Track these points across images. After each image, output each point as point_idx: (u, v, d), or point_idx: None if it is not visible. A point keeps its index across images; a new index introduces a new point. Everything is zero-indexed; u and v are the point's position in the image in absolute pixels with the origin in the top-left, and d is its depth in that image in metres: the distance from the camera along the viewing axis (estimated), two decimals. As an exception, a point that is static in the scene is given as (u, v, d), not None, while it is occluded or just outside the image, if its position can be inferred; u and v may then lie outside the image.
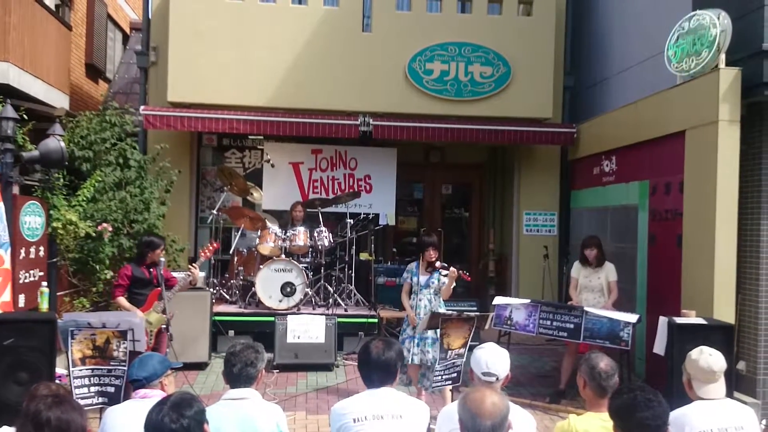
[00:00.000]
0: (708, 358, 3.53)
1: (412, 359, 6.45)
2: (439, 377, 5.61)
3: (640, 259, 8.14)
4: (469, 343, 5.66)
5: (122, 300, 6.39)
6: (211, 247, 6.88)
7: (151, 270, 6.47)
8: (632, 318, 6.58)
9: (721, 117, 6.68)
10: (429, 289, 6.60)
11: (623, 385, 3.13)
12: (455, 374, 5.60)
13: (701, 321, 5.79)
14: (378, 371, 3.46)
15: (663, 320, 5.86)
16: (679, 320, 5.72)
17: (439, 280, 6.61)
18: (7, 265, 5.84)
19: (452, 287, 6.58)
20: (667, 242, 7.56)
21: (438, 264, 6.57)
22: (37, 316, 5.88)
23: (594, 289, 7.38)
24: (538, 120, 10.24)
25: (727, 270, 6.65)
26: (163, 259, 6.52)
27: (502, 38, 10.04)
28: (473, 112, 10.01)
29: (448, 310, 6.65)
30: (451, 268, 6.46)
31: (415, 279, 6.66)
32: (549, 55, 10.18)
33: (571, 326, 6.82)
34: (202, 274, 8.46)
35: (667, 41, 7.71)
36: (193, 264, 6.66)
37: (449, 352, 5.62)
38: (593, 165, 9.72)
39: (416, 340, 6.45)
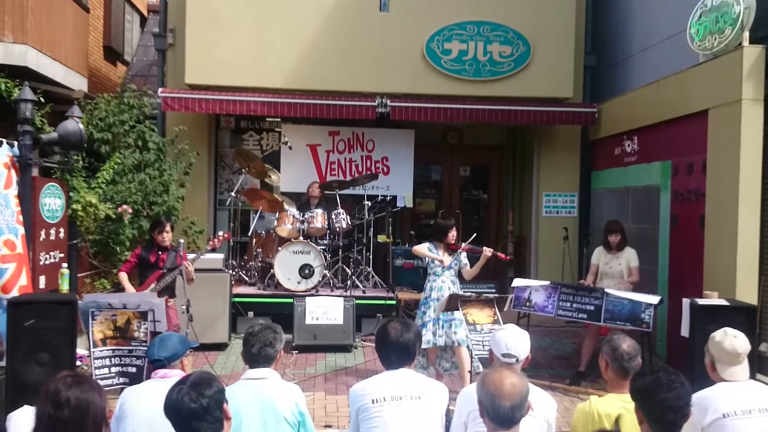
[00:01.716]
0: (732, 339, 3.48)
1: (435, 342, 6.42)
2: (480, 346, 5.58)
3: (662, 240, 8.05)
4: (500, 319, 5.66)
5: (122, 276, 6.55)
6: (221, 237, 6.87)
7: (160, 253, 6.51)
8: (654, 299, 6.52)
9: (744, 96, 6.57)
10: (451, 270, 6.57)
11: (645, 367, 3.11)
12: None
13: (723, 302, 5.71)
14: (396, 352, 3.46)
15: (687, 302, 5.79)
16: (701, 301, 5.65)
17: (460, 262, 6.59)
18: (20, 249, 5.85)
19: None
20: (690, 223, 7.47)
21: (464, 246, 6.54)
22: (58, 298, 5.93)
23: (614, 276, 7.30)
24: (559, 100, 10.12)
25: (750, 251, 6.57)
26: (182, 241, 6.53)
27: (521, 17, 9.91)
28: (492, 93, 9.90)
29: (466, 291, 6.63)
30: (485, 249, 6.43)
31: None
32: (569, 34, 10.03)
33: (592, 308, 6.75)
34: (220, 256, 8.51)
35: (690, 19, 7.57)
36: (187, 261, 6.55)
37: (477, 326, 5.62)
38: (614, 145, 9.61)
39: (441, 322, 6.40)
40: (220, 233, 7.00)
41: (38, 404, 2.58)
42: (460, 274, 6.71)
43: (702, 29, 7.37)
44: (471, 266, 6.64)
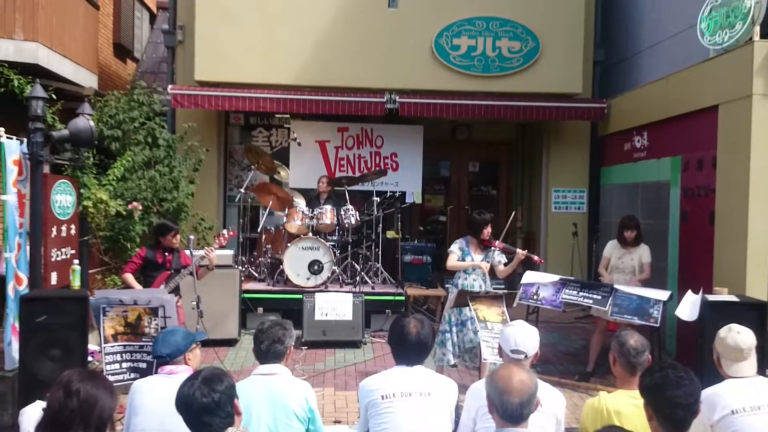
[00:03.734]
0: (735, 336, 3.48)
1: (467, 346, 6.28)
2: (490, 349, 5.54)
3: (672, 236, 8.03)
4: (508, 318, 5.63)
5: (128, 276, 6.50)
6: (226, 235, 6.87)
7: (167, 254, 6.54)
8: (664, 296, 6.48)
9: (755, 91, 6.53)
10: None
11: (654, 363, 3.10)
12: None
13: (733, 298, 5.70)
14: (416, 350, 3.47)
15: (692, 294, 5.77)
16: (711, 298, 5.64)
17: (493, 259, 6.51)
18: None
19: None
20: (700, 219, 7.45)
21: (498, 244, 6.47)
22: (70, 294, 5.98)
23: (626, 270, 7.27)
24: (568, 95, 10.09)
25: (760, 247, 6.54)
26: (192, 237, 6.56)
27: (530, 12, 9.88)
28: (501, 88, 9.89)
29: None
30: (519, 251, 6.35)
31: (468, 258, 6.48)
32: (579, 29, 10.00)
33: (599, 297, 6.72)
34: (230, 252, 8.54)
35: (700, 14, 7.54)
36: (209, 247, 6.65)
37: (488, 323, 5.60)
38: (624, 141, 9.58)
39: (467, 321, 6.23)
40: (225, 231, 7.01)
41: (51, 391, 2.62)
42: (491, 271, 6.62)
43: (712, 24, 7.34)
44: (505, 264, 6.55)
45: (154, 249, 6.58)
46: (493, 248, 6.49)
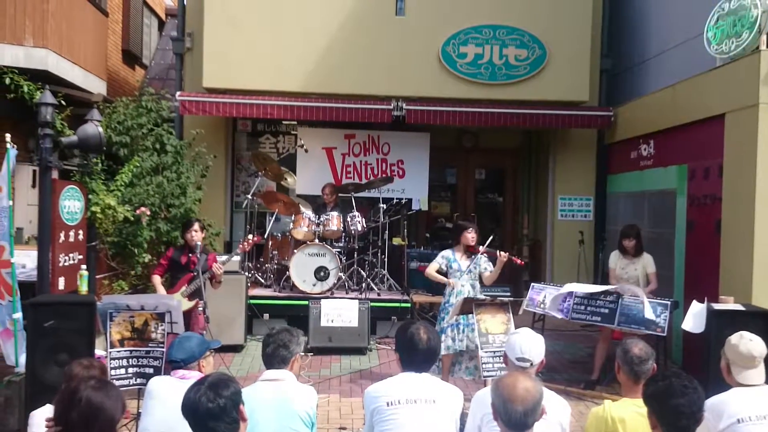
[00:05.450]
0: (748, 343, 3.49)
1: (456, 347, 6.43)
2: (490, 365, 5.55)
3: (678, 244, 8.02)
4: (512, 327, 5.63)
5: (155, 279, 6.68)
6: (250, 241, 6.95)
7: (191, 255, 6.60)
8: (662, 318, 6.43)
9: (761, 100, 6.52)
10: (471, 274, 6.57)
11: (659, 372, 3.11)
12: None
13: (739, 307, 5.68)
14: (425, 356, 3.46)
15: (697, 305, 5.75)
16: (717, 306, 5.62)
17: (480, 266, 6.57)
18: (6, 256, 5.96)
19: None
20: (706, 228, 7.44)
21: (482, 249, 6.53)
22: (77, 299, 6.00)
23: (630, 280, 7.24)
24: (574, 103, 10.09)
25: (766, 256, 6.52)
26: (199, 243, 6.59)
27: (537, 20, 9.89)
28: (508, 96, 9.90)
29: (483, 294, 6.64)
30: (501, 253, 6.42)
31: (455, 265, 6.62)
32: (586, 37, 10.00)
33: (606, 311, 6.71)
34: (237, 259, 8.56)
35: (707, 22, 7.54)
36: (218, 265, 6.71)
37: (489, 336, 5.59)
38: (630, 149, 9.58)
39: (461, 326, 6.41)
40: (250, 237, 7.08)
41: (57, 399, 2.65)
42: (480, 278, 6.71)
43: (719, 33, 7.34)
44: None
45: (181, 250, 6.69)
46: (478, 254, 6.55)
